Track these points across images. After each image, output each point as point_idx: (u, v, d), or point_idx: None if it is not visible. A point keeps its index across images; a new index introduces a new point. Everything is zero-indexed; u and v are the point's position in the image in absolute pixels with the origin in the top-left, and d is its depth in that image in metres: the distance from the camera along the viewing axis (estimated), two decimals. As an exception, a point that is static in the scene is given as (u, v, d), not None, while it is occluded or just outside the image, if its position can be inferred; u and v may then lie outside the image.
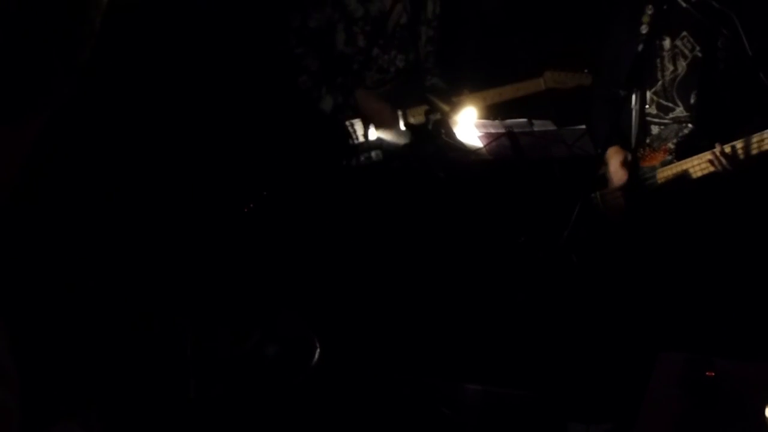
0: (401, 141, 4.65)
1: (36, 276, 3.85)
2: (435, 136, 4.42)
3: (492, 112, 4.61)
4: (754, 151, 4.07)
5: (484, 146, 4.32)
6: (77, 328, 3.68)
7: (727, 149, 4.11)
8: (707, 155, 4.22)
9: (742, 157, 4.09)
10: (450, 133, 4.38)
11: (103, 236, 4.39)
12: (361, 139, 4.74)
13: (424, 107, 4.57)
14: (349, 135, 4.74)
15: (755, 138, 4.09)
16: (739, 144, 4.11)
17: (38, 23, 0.64)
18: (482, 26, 5.67)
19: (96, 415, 3.09)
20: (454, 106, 4.46)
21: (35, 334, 3.54)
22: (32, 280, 3.80)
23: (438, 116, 4.45)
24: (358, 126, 4.75)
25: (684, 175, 4.33)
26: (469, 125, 4.33)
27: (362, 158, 4.69)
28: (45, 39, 0.65)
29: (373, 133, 4.74)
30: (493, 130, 4.25)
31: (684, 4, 3.90)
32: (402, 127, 4.73)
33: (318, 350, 3.54)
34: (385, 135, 4.70)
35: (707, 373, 3.17)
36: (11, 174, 0.66)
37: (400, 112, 4.74)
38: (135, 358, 3.39)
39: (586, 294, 4.48)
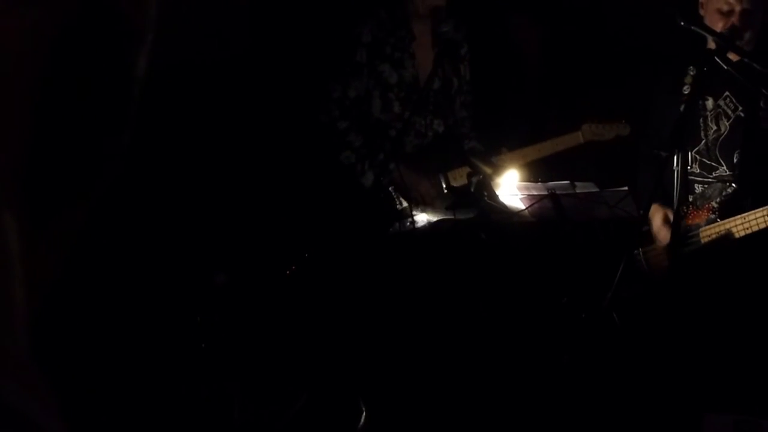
0: (443, 211, 4.67)
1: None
2: (477, 199, 4.44)
3: (533, 173, 4.63)
4: None
5: (527, 208, 4.34)
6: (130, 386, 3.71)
7: None
8: (753, 214, 4.23)
9: None
10: (492, 195, 4.40)
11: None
12: (405, 204, 4.76)
13: (466, 169, 4.59)
14: (393, 200, 4.76)
15: None
16: None
17: (82, 100, 0.58)
18: (517, 85, 5.71)
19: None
20: (496, 168, 4.48)
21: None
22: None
23: (480, 178, 4.47)
24: (400, 198, 4.78)
25: (728, 234, 4.34)
26: (511, 187, 4.35)
27: (407, 223, 4.71)
28: (88, 120, 0.59)
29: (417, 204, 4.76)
30: (535, 192, 4.27)
31: (725, 66, 3.93)
32: (444, 190, 4.75)
33: (364, 414, 3.55)
34: (428, 209, 4.73)
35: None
36: (52, 271, 0.59)
37: (441, 176, 4.76)
38: (183, 421, 3.42)
39: (630, 354, 4.46)
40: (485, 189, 4.39)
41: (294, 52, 5.28)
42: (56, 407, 0.51)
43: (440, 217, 4.67)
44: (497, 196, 4.39)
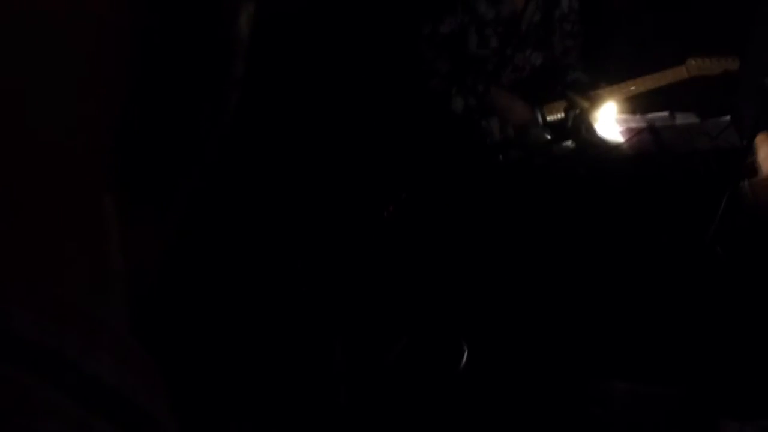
0: (540, 138, 4.60)
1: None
2: (575, 133, 4.36)
3: (633, 106, 4.53)
4: None
5: (625, 142, 4.26)
6: (232, 338, 3.74)
7: None
8: None
9: None
10: (590, 130, 4.32)
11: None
12: (498, 137, 4.70)
13: (563, 103, 4.51)
14: (485, 134, 4.70)
15: None
16: None
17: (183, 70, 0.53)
18: (626, 17, 5.58)
19: (249, 427, 3.14)
20: (594, 102, 4.39)
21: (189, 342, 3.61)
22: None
23: (578, 112, 4.39)
24: (494, 124, 4.71)
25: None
26: (609, 121, 4.27)
27: (501, 157, 4.66)
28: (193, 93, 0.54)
29: (511, 132, 4.70)
30: (634, 125, 4.18)
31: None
32: (540, 123, 4.68)
33: (466, 353, 3.54)
34: (523, 132, 4.66)
35: None
36: (157, 258, 0.55)
37: (537, 109, 4.69)
38: (285, 367, 3.43)
39: (735, 289, 4.38)
40: (583, 123, 4.32)
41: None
42: (166, 398, 0.48)
43: (537, 139, 4.60)
44: (595, 130, 4.32)
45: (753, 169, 4.46)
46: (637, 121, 4.18)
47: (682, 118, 4.08)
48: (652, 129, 4.13)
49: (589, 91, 4.54)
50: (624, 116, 4.27)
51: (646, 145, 4.22)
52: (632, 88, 4.61)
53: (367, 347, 3.50)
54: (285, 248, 4.42)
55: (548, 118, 4.67)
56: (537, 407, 4.15)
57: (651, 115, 4.13)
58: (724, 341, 4.36)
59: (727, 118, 4.05)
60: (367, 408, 3.33)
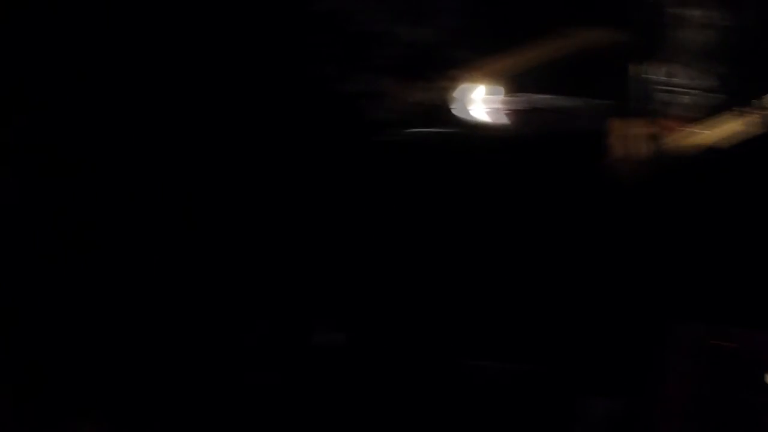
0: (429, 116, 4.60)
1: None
2: (454, 114, 4.36)
3: (520, 85, 4.53)
4: None
5: (508, 122, 4.27)
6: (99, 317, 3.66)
7: None
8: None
9: None
10: (470, 110, 4.32)
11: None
12: (387, 116, 4.69)
13: (449, 82, 4.51)
14: (379, 112, 4.69)
15: None
16: None
17: None
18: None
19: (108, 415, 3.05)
20: (475, 80, 4.39)
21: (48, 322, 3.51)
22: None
23: (455, 93, 4.38)
24: (382, 105, 4.71)
25: (709, 144, 4.25)
26: (490, 101, 4.28)
27: (391, 136, 4.65)
28: None
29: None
30: (516, 106, 4.19)
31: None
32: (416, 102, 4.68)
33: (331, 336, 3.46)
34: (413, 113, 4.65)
35: (726, 344, 3.14)
36: None
37: (426, 89, 4.69)
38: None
39: (599, 264, 4.43)
40: (463, 103, 4.31)
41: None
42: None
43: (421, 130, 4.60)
44: (476, 110, 4.31)
45: (618, 149, 4.51)
46: (519, 102, 4.19)
47: (563, 100, 4.10)
48: (533, 109, 4.15)
49: (474, 67, 4.55)
50: (506, 96, 4.28)
51: (528, 125, 4.25)
52: (514, 61, 4.64)
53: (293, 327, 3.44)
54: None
55: (432, 97, 4.68)
56: (401, 390, 4.15)
57: (532, 96, 4.15)
58: (585, 319, 4.43)
59: (608, 101, 4.08)
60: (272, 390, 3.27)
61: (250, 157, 4.78)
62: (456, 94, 4.45)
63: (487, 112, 4.31)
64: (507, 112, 4.24)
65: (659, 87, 4.36)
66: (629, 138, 4.49)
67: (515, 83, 4.54)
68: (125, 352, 3.75)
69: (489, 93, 4.37)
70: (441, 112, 4.55)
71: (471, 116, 4.37)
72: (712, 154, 4.24)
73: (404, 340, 4.33)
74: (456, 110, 4.45)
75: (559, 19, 4.79)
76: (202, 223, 4.43)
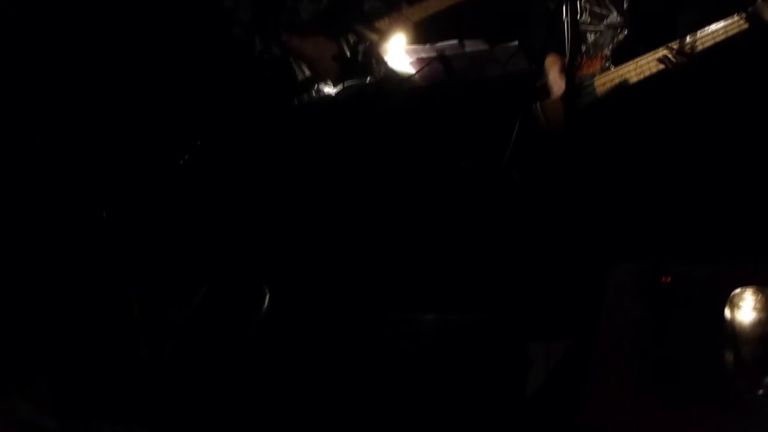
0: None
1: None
2: (366, 67, 4.32)
3: (426, 35, 4.49)
4: (701, 47, 4.07)
5: (417, 72, 4.23)
6: (20, 295, 3.59)
7: (677, 46, 4.09)
8: (645, 58, 4.20)
9: (690, 52, 4.08)
10: (380, 62, 4.28)
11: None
12: (308, 73, 4.61)
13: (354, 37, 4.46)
14: (293, 71, 4.61)
15: (688, 39, 4.08)
16: (687, 40, 4.08)
17: None
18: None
19: (46, 386, 3.01)
20: (383, 33, 4.34)
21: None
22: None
23: (366, 45, 4.34)
24: (297, 66, 4.63)
25: (622, 81, 4.30)
26: (399, 52, 4.23)
27: (313, 93, 4.58)
28: None
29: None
30: (424, 55, 4.15)
31: None
32: (347, 54, 4.61)
33: (267, 296, 3.48)
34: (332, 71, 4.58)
35: (663, 279, 3.15)
36: None
37: (343, 42, 4.61)
38: (82, 324, 3.31)
39: (534, 211, 4.45)
40: (372, 56, 4.28)
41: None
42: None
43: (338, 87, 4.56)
44: (385, 62, 4.28)
45: (545, 91, 4.53)
46: (427, 51, 4.15)
47: (471, 46, 4.06)
48: (442, 58, 4.10)
49: (387, 16, 4.50)
50: (413, 47, 4.23)
51: (438, 74, 4.20)
52: (433, 5, 4.58)
53: (166, 298, 3.41)
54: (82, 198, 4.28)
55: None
56: (346, 346, 4.14)
57: (440, 44, 4.10)
58: (525, 267, 4.43)
59: (515, 43, 4.06)
60: (171, 360, 3.25)
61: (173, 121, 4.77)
62: (369, 46, 4.40)
63: (402, 63, 4.26)
64: (419, 60, 4.19)
65: (577, 27, 4.35)
66: (551, 77, 4.49)
67: (426, 33, 4.50)
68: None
69: (402, 44, 4.33)
70: (355, 65, 4.51)
71: (387, 67, 4.33)
72: (627, 90, 4.26)
73: (337, 296, 4.33)
74: (370, 62, 4.41)
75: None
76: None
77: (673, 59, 4.11)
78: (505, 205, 4.24)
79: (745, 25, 3.98)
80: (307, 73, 4.62)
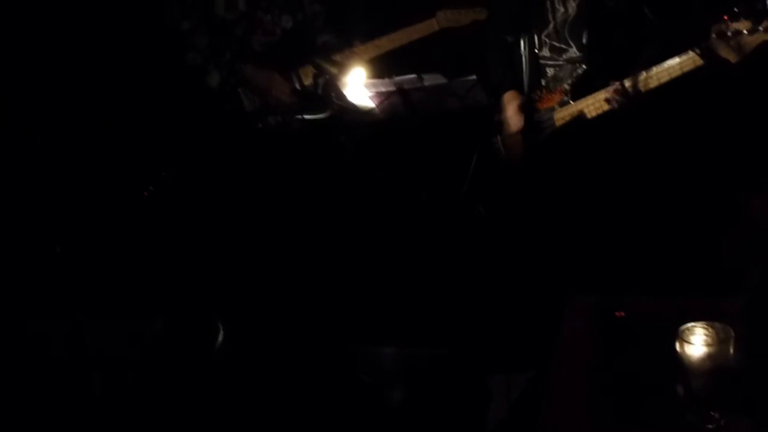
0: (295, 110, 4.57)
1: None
2: (326, 100, 4.33)
3: (385, 68, 4.51)
4: (645, 87, 4.11)
5: (377, 106, 4.25)
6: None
7: (623, 85, 4.13)
8: (602, 94, 4.24)
9: (634, 93, 4.12)
10: (340, 96, 4.29)
11: None
12: (255, 106, 4.63)
13: (310, 70, 4.49)
14: (243, 102, 4.62)
15: (644, 75, 4.12)
16: (629, 81, 4.13)
17: None
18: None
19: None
20: (342, 67, 4.36)
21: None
22: None
23: (327, 78, 4.35)
24: (250, 94, 4.64)
25: (580, 116, 4.33)
26: (359, 86, 4.24)
27: (260, 125, 4.59)
28: None
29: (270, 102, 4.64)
30: (383, 89, 4.17)
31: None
32: (297, 88, 4.63)
33: (221, 332, 3.47)
34: (280, 108, 4.60)
35: (617, 314, 3.16)
36: None
37: (293, 74, 4.63)
38: (32, 358, 3.29)
39: (495, 243, 4.46)
40: (332, 89, 4.29)
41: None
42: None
43: (293, 118, 4.57)
44: (345, 96, 4.29)
45: (501, 125, 4.56)
46: (386, 85, 4.17)
47: (429, 80, 4.08)
48: (401, 91, 4.12)
49: (340, 53, 4.53)
50: (372, 81, 4.25)
51: (397, 107, 4.22)
52: (385, 44, 4.61)
53: (120, 332, 3.40)
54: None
55: (306, 83, 4.63)
56: (308, 380, 4.13)
57: (399, 78, 4.12)
58: (485, 299, 4.44)
59: (473, 77, 4.08)
60: (125, 395, 3.23)
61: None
62: (324, 79, 4.42)
63: (362, 96, 4.28)
64: (378, 94, 4.20)
65: (536, 61, 4.39)
66: (508, 113, 4.52)
67: (383, 66, 4.53)
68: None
69: (359, 77, 4.35)
70: (310, 98, 4.53)
71: (342, 100, 4.34)
72: (585, 124, 4.30)
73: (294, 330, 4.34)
74: (325, 95, 4.43)
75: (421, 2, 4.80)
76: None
77: (616, 99, 4.16)
78: (465, 237, 4.25)
79: (700, 61, 4.02)
80: (257, 103, 4.64)
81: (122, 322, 3.44)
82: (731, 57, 3.97)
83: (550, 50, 4.48)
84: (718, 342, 2.63)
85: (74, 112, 4.94)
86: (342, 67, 4.35)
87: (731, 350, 2.61)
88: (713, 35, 3.97)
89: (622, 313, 3.14)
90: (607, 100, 4.19)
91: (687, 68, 4.06)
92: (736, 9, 3.95)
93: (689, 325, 2.68)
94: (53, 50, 4.94)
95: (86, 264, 4.03)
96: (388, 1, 5.38)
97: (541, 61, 4.51)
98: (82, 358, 3.18)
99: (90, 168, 4.83)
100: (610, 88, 4.18)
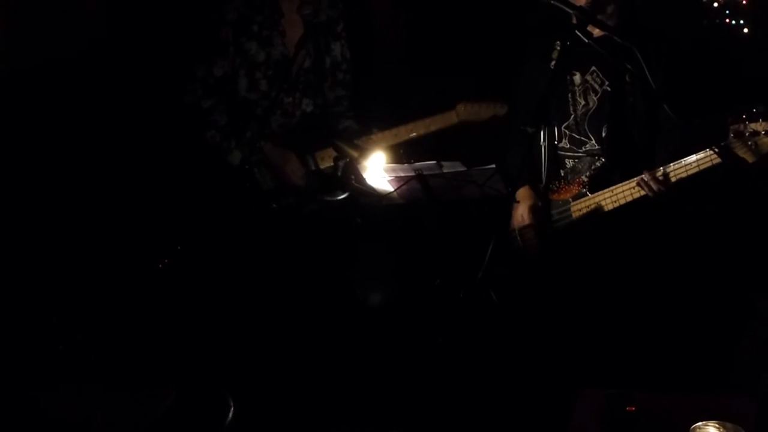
0: (312, 186, 4.60)
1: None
2: (345, 182, 4.36)
3: (404, 154, 4.55)
4: (674, 178, 4.14)
5: (395, 190, 4.28)
6: None
7: (656, 174, 4.17)
8: (620, 187, 4.27)
9: (665, 182, 4.16)
10: (359, 179, 4.32)
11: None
12: (271, 185, 4.66)
13: (333, 152, 4.51)
14: (259, 182, 4.66)
15: (661, 170, 4.16)
16: (661, 171, 4.17)
17: None
18: (394, 66, 5.64)
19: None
20: (362, 151, 4.40)
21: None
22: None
23: (347, 161, 4.38)
24: (267, 173, 4.67)
25: (597, 208, 4.36)
26: (378, 170, 4.28)
27: (274, 205, 4.62)
28: None
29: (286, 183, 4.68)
30: (402, 174, 4.20)
31: (586, 40, 3.88)
32: (312, 170, 4.67)
33: (231, 409, 3.47)
34: (296, 189, 4.64)
35: (628, 408, 3.16)
36: None
37: (309, 157, 4.67)
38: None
39: (507, 332, 4.46)
40: (352, 172, 4.32)
41: (156, 34, 5.16)
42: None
43: (310, 198, 4.60)
44: (364, 179, 4.32)
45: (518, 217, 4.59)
46: (405, 170, 4.20)
47: (448, 167, 4.11)
48: (420, 177, 4.16)
49: (360, 138, 4.56)
50: (392, 165, 4.28)
51: (416, 193, 4.25)
52: (403, 133, 4.64)
53: (131, 404, 3.40)
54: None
55: (321, 166, 4.66)
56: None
57: (418, 164, 4.15)
58: (495, 387, 4.43)
59: (492, 166, 4.11)
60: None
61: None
62: (344, 161, 4.45)
63: (381, 180, 4.31)
64: (397, 179, 4.23)
65: (551, 152, 4.41)
66: (520, 209, 4.56)
67: (403, 151, 4.56)
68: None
69: (378, 161, 4.38)
70: (331, 181, 4.55)
71: (361, 182, 4.37)
72: (602, 217, 4.33)
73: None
74: (344, 177, 4.45)
75: (444, 93, 4.84)
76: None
77: (651, 184, 4.19)
78: (477, 324, 4.25)
79: (718, 159, 4.06)
80: (270, 182, 4.67)
81: (134, 393, 3.45)
82: (748, 157, 4.01)
83: (570, 142, 4.52)
84: (729, 443, 2.62)
85: (92, 183, 4.99)
86: (362, 151, 4.39)
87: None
88: (731, 135, 4.01)
89: (633, 408, 3.14)
90: (639, 184, 4.22)
91: (704, 166, 4.10)
92: (754, 110, 3.99)
93: (700, 424, 2.68)
94: (78, 123, 5.00)
95: (101, 334, 4.04)
96: (410, 90, 5.45)
97: (560, 153, 4.54)
98: (92, 430, 3.18)
99: (108, 239, 4.86)
100: (633, 181, 4.22)
